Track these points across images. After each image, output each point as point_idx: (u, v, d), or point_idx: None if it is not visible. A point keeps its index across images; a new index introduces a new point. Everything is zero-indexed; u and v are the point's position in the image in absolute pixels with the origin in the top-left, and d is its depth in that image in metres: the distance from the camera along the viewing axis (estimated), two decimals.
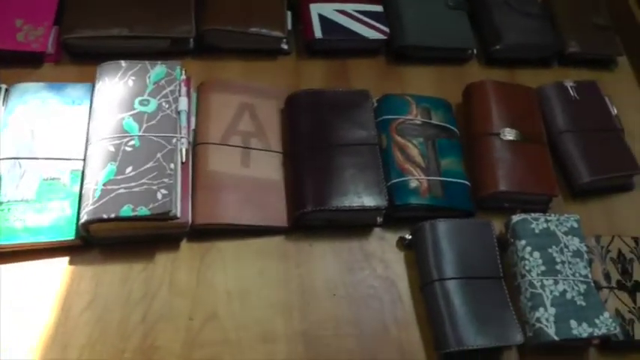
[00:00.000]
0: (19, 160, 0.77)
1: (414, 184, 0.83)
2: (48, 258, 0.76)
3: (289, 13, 0.99)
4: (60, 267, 0.76)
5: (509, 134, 0.90)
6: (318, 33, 0.97)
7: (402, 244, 0.83)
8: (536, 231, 0.81)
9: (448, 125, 0.90)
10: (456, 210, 0.84)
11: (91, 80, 0.85)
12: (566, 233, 0.82)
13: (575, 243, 0.82)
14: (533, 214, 0.83)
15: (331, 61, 1.00)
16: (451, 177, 0.85)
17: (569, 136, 0.94)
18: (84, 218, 0.72)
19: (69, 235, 0.74)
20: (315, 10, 0.99)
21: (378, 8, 1.02)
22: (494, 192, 0.86)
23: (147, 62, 0.85)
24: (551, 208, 0.89)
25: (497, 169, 0.87)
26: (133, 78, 0.83)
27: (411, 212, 0.84)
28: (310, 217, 0.80)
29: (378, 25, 0.99)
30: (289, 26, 0.98)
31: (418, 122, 0.89)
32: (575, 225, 0.84)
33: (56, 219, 0.74)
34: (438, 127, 0.89)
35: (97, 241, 0.76)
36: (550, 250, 0.80)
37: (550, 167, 0.90)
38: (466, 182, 0.86)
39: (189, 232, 0.78)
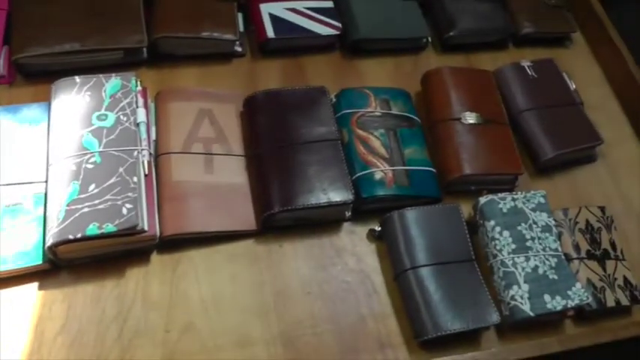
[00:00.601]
0: None
1: (378, 175, 0.83)
2: (16, 285, 0.74)
3: (240, 15, 0.99)
4: (30, 293, 0.74)
5: (469, 118, 0.91)
6: (270, 33, 0.96)
7: (372, 236, 0.83)
8: (504, 210, 0.82)
9: (408, 114, 0.90)
10: (423, 197, 0.85)
11: (46, 99, 0.84)
12: (533, 210, 0.83)
13: (543, 218, 0.83)
14: (500, 194, 0.84)
15: (286, 60, 1.00)
16: (415, 165, 0.85)
17: (530, 114, 0.95)
18: (50, 241, 0.71)
19: (36, 260, 0.73)
20: (265, 9, 0.98)
21: (329, 4, 1.02)
22: (459, 176, 0.87)
23: (101, 76, 0.84)
24: (517, 187, 0.91)
25: (460, 153, 0.88)
26: (89, 93, 0.82)
27: (378, 204, 0.84)
28: (278, 217, 0.80)
29: (329, 20, 0.99)
30: (241, 28, 0.98)
31: (378, 114, 0.89)
32: (542, 200, 0.85)
33: (22, 245, 0.73)
34: (398, 117, 0.90)
35: (65, 263, 0.75)
36: (519, 228, 0.81)
37: (513, 146, 0.91)
38: (431, 169, 0.87)
39: (158, 244, 0.77)
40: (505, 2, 1.10)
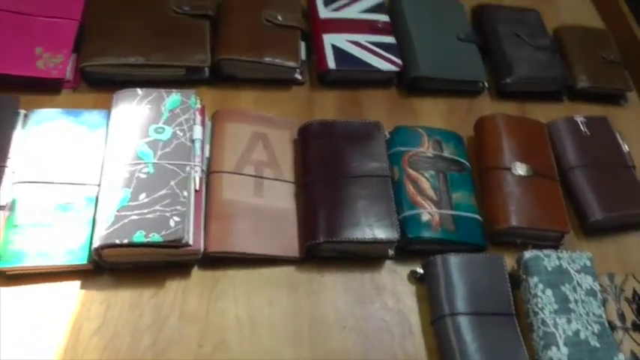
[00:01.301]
0: (35, 184, 0.78)
1: (425, 217, 0.83)
2: (59, 281, 0.76)
3: (303, 44, 1.01)
4: (71, 291, 0.76)
5: (520, 169, 0.90)
6: (331, 64, 0.98)
7: (413, 277, 0.83)
8: (549, 268, 0.81)
9: (459, 159, 0.90)
10: (468, 244, 0.84)
11: (107, 107, 0.86)
12: (578, 271, 0.82)
13: (588, 281, 0.81)
14: (545, 251, 0.82)
15: (344, 91, 1.01)
16: (462, 211, 0.85)
17: (581, 172, 0.94)
18: (97, 243, 0.73)
19: (81, 259, 0.74)
20: (328, 40, 1.00)
21: (391, 40, 1.03)
22: (506, 227, 0.86)
23: (162, 90, 0.86)
24: (563, 245, 0.89)
25: (508, 204, 0.87)
26: (149, 106, 0.84)
27: (422, 245, 0.83)
28: (322, 247, 0.80)
29: (390, 56, 1.01)
30: (303, 56, 1.00)
31: (430, 155, 0.89)
32: (588, 263, 0.83)
33: (69, 243, 0.75)
34: (449, 160, 0.90)
35: (108, 265, 0.76)
36: (563, 289, 0.80)
37: (562, 203, 0.90)
38: (477, 217, 0.86)
39: (200, 259, 0.78)
40: (563, 54, 1.10)
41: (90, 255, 0.74)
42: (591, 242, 0.92)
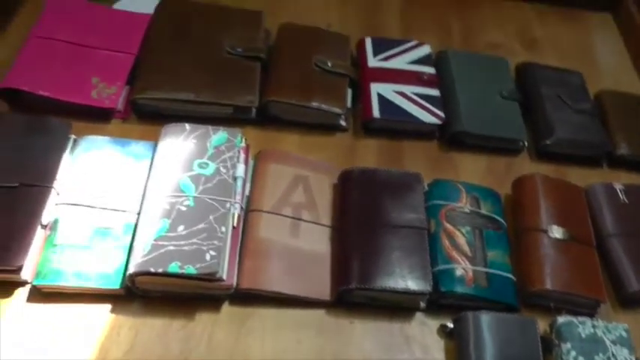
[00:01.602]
0: (78, 207, 0.80)
1: (459, 272, 0.82)
2: (92, 303, 0.77)
3: (350, 91, 1.03)
4: (102, 313, 0.77)
5: (556, 232, 0.90)
6: (376, 112, 1.00)
7: (443, 331, 0.82)
8: (583, 335, 0.79)
9: (496, 217, 0.90)
10: (500, 303, 0.83)
11: (154, 139, 0.89)
12: (614, 342, 0.80)
13: (624, 354, 0.79)
14: (579, 318, 0.81)
15: (386, 140, 1.03)
16: (497, 269, 0.84)
17: (618, 241, 0.93)
18: (132, 269, 0.74)
19: (115, 284, 0.76)
20: (375, 89, 1.02)
21: (435, 92, 1.05)
22: (540, 290, 0.84)
23: (210, 127, 0.89)
24: (598, 314, 0.87)
25: (544, 266, 0.86)
26: (195, 141, 0.87)
27: (454, 300, 0.83)
28: (354, 293, 0.80)
29: (434, 109, 1.02)
30: (349, 104, 1.02)
31: (467, 211, 0.89)
32: (624, 334, 0.81)
33: (105, 267, 0.76)
34: (486, 218, 0.89)
35: (140, 292, 0.77)
36: (597, 358, 0.77)
37: (598, 270, 0.88)
38: (512, 276, 0.85)
39: (232, 295, 0.79)
40: (604, 119, 1.10)
41: (123, 280, 0.76)
42: (627, 314, 0.89)
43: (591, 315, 0.86)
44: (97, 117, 0.95)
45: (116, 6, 1.12)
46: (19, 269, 0.75)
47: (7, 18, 1.10)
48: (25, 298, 0.76)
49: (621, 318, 0.87)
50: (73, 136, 0.88)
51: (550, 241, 0.89)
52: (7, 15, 1.10)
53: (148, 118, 0.97)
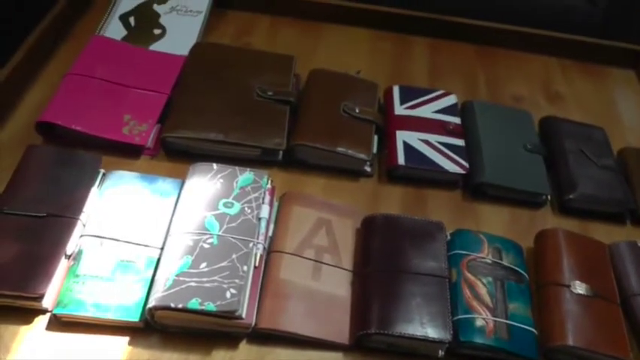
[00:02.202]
0: (102, 239, 0.82)
1: (480, 322, 0.81)
2: (110, 335, 0.77)
3: (376, 137, 1.04)
4: (120, 346, 0.77)
5: (579, 288, 0.88)
6: (401, 160, 1.01)
7: None
8: None
9: (518, 269, 0.89)
10: (520, 356, 0.81)
11: (181, 176, 0.90)
12: None
13: None
14: None
15: (410, 188, 1.03)
16: (518, 322, 0.83)
17: None
18: (152, 303, 0.75)
19: (134, 316, 0.76)
20: (400, 137, 1.04)
21: (460, 142, 1.06)
22: (562, 345, 0.83)
23: (237, 168, 0.91)
24: None
25: (566, 322, 0.84)
26: (221, 181, 0.88)
27: (473, 351, 0.82)
28: (372, 338, 0.79)
29: (458, 159, 1.03)
30: (374, 150, 1.03)
31: (489, 261, 0.89)
32: None
33: (125, 299, 0.77)
34: (507, 269, 0.89)
35: (159, 326, 0.78)
36: None
37: (623, 329, 0.87)
38: (533, 330, 0.84)
39: (250, 334, 0.79)
40: (627, 177, 1.09)
41: (143, 314, 0.76)
42: None
43: None
44: (127, 153, 0.98)
45: (152, 47, 1.16)
46: (40, 297, 0.76)
47: (49, 56, 1.14)
48: (45, 327, 0.77)
49: None
50: (102, 170, 0.91)
51: (573, 297, 0.87)
52: (49, 53, 1.15)
53: (176, 156, 0.99)
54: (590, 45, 1.39)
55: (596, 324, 0.85)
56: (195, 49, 1.12)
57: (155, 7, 1.24)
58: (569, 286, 0.88)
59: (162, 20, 1.22)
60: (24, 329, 0.77)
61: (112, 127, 0.97)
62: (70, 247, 0.81)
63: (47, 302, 0.77)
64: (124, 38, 1.17)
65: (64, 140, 0.97)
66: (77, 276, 0.78)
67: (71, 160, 0.90)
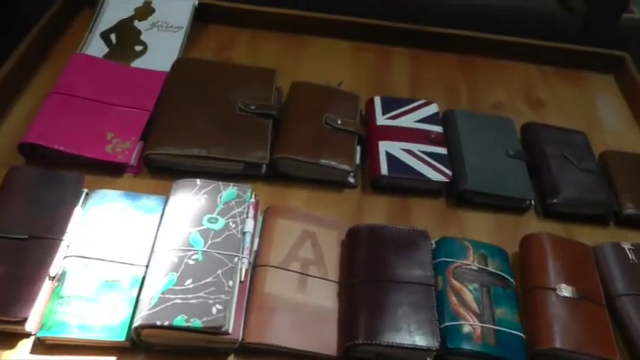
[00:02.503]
0: (86, 259, 0.81)
1: (467, 329, 0.81)
2: (96, 355, 0.76)
3: (358, 148, 1.05)
4: None
5: (565, 291, 0.89)
6: (384, 170, 1.01)
7: None
8: None
9: (504, 274, 0.90)
10: None
11: (165, 193, 0.90)
12: None
13: None
14: None
15: (394, 198, 1.03)
16: (505, 327, 0.83)
17: (629, 300, 0.92)
18: (137, 322, 0.74)
19: (120, 336, 0.75)
20: (383, 147, 1.04)
21: (443, 151, 1.06)
22: (549, 348, 0.83)
23: (220, 183, 0.90)
24: None
25: (553, 325, 0.85)
26: (205, 196, 0.88)
27: (461, 357, 0.82)
28: (360, 349, 0.79)
29: (441, 167, 1.03)
30: (357, 161, 1.03)
31: (475, 268, 0.89)
32: None
33: (110, 319, 0.76)
34: (493, 275, 0.89)
35: (145, 345, 0.77)
36: None
37: (609, 329, 0.87)
38: (521, 334, 0.84)
39: (237, 349, 0.78)
40: (609, 179, 1.11)
41: (129, 333, 0.75)
42: None
43: None
44: (110, 171, 0.97)
45: (134, 64, 1.16)
46: (24, 321, 0.75)
47: (34, 72, 1.14)
48: (29, 350, 0.76)
49: None
50: (85, 190, 0.90)
51: (559, 300, 0.88)
52: (34, 69, 1.15)
53: (159, 173, 0.98)
54: (570, 51, 1.41)
55: (583, 326, 0.86)
56: (177, 65, 1.12)
57: (136, 23, 1.24)
58: (555, 290, 0.89)
59: (144, 37, 1.22)
60: (7, 354, 0.75)
61: (95, 145, 0.97)
62: (54, 269, 0.80)
63: (30, 326, 0.76)
64: (106, 55, 1.17)
65: (46, 160, 0.96)
66: (61, 297, 0.77)
67: (54, 180, 0.90)
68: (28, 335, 0.77)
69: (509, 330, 0.83)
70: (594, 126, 1.26)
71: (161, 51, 1.19)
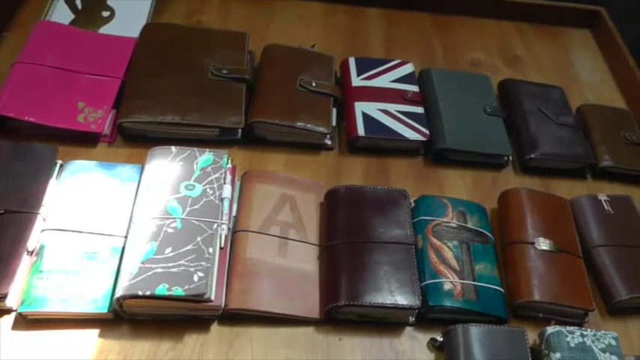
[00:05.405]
0: (64, 232, 0.80)
1: (447, 286, 0.82)
2: (79, 329, 0.76)
3: (334, 110, 1.04)
4: (90, 339, 0.76)
5: (543, 244, 0.90)
6: (361, 131, 1.00)
7: (432, 345, 0.82)
8: (572, 345, 0.79)
9: (483, 230, 0.91)
10: (489, 316, 0.83)
11: (140, 162, 0.89)
12: (603, 350, 0.80)
13: None
14: (568, 327, 0.81)
15: (372, 158, 1.03)
16: (485, 282, 0.85)
17: (604, 251, 0.93)
18: (119, 293, 0.74)
19: (102, 308, 0.75)
20: (359, 108, 1.04)
21: (420, 110, 1.06)
22: (528, 301, 0.85)
23: (196, 149, 0.89)
24: (587, 323, 0.87)
25: (531, 278, 0.86)
26: (181, 163, 0.87)
27: (443, 314, 0.83)
28: (342, 310, 0.80)
29: (418, 126, 1.03)
30: (334, 123, 1.03)
31: (454, 225, 0.90)
32: (613, 342, 0.81)
33: (92, 292, 0.76)
34: (472, 232, 0.90)
35: (128, 316, 0.77)
36: None
37: (585, 280, 0.89)
38: (500, 289, 0.85)
39: (220, 315, 0.78)
40: (586, 133, 1.11)
41: (111, 304, 0.75)
42: (617, 322, 0.89)
43: (580, 324, 0.86)
44: (83, 141, 0.95)
45: (102, 30, 1.13)
46: (4, 297, 0.74)
47: None
48: (11, 326, 0.75)
49: (610, 326, 0.88)
50: (59, 161, 0.88)
51: (537, 253, 0.89)
52: None
53: (134, 141, 0.97)
54: (546, 7, 1.41)
55: (561, 278, 0.88)
56: (146, 31, 1.09)
57: None
58: (533, 244, 0.90)
59: (110, 2, 1.18)
60: None
61: (67, 115, 0.95)
62: (32, 243, 0.79)
63: (11, 301, 0.75)
64: (72, 22, 1.13)
65: (18, 133, 0.94)
66: (41, 272, 0.76)
67: (26, 152, 0.88)
68: (9, 311, 0.76)
69: (489, 285, 0.85)
70: (572, 81, 1.27)
71: (129, 16, 1.16)
